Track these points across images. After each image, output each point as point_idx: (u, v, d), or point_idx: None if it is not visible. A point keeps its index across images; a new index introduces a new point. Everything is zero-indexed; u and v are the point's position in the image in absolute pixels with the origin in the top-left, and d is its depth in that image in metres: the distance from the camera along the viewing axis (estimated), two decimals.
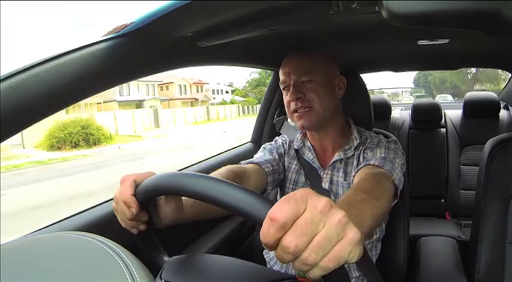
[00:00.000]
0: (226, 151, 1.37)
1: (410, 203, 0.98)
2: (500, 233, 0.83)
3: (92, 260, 0.31)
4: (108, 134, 11.22)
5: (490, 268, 0.84)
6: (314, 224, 0.31)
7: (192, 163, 1.18)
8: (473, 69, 23.13)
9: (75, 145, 9.90)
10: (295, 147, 0.94)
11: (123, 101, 19.45)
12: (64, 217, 0.73)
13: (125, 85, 19.33)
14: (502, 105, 1.99)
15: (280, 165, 0.92)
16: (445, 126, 2.01)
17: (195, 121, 20.90)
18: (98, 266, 0.30)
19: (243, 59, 1.10)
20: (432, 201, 1.93)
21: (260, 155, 0.92)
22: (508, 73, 1.84)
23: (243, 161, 0.87)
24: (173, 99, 21.91)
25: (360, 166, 0.76)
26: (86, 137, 10.33)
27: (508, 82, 2.07)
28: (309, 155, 0.91)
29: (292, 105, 0.83)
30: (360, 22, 0.74)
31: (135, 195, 0.49)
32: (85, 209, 0.78)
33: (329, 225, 0.31)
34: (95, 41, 0.57)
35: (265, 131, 1.39)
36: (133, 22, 0.59)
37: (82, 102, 14.40)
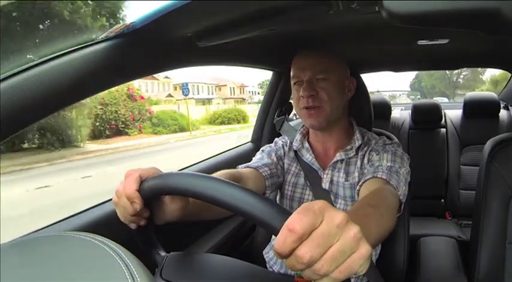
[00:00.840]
0: (225, 151, 1.37)
1: (410, 203, 0.97)
2: (500, 233, 0.83)
3: (92, 260, 0.31)
4: (248, 116, 18.42)
5: (490, 268, 0.83)
6: (330, 236, 0.31)
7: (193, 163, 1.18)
8: (454, 78, 30.19)
9: (239, 121, 17.58)
10: (294, 148, 0.93)
11: (197, 99, 25.01)
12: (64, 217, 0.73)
13: (194, 86, 25.65)
14: (502, 105, 1.98)
15: (279, 168, 0.91)
16: (445, 126, 2.00)
17: (253, 115, 26.08)
18: (98, 266, 0.30)
19: (243, 59, 1.09)
20: (432, 201, 1.93)
21: (258, 159, 0.91)
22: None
23: (239, 166, 0.86)
24: (228, 98, 27.71)
25: (366, 177, 0.74)
26: (244, 117, 18.04)
27: (508, 82, 2.06)
28: (307, 156, 0.90)
29: (303, 102, 0.82)
30: (360, 22, 0.74)
31: (139, 190, 0.47)
32: (85, 209, 0.78)
33: (344, 238, 0.32)
34: (95, 41, 0.57)
35: (265, 131, 1.39)
36: (133, 22, 0.59)
37: (173, 99, 21.34)
